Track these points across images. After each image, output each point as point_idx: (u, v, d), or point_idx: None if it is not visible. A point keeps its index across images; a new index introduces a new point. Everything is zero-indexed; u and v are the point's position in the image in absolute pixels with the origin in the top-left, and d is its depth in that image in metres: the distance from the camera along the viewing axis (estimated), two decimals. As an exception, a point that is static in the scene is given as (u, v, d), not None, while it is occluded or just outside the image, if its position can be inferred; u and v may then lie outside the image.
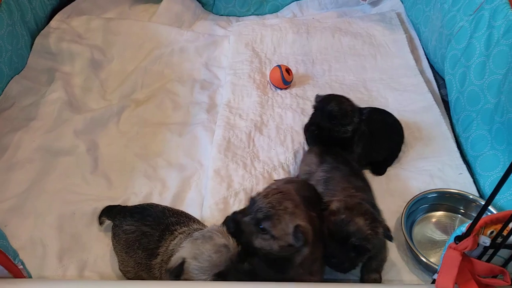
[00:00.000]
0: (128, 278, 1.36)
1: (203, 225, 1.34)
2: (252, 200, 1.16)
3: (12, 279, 1.16)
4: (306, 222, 1.14)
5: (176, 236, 1.24)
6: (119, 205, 1.47)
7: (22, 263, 1.18)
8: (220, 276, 1.10)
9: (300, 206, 1.16)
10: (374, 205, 1.35)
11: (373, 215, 1.21)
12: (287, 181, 1.53)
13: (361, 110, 1.53)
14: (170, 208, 1.40)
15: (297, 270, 1.18)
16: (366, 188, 1.41)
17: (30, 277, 1.23)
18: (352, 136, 1.55)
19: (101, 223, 1.49)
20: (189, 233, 1.23)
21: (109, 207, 1.47)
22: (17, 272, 1.16)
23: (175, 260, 1.12)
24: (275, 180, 1.59)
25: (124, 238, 1.31)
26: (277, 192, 1.15)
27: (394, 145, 1.73)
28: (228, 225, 1.15)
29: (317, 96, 1.59)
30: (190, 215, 1.39)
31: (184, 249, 1.13)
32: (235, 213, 1.18)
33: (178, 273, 1.10)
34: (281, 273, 1.18)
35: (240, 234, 1.13)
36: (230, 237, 1.13)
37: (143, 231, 1.29)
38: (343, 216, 1.18)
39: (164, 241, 1.25)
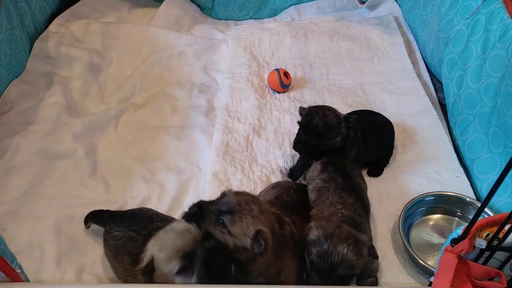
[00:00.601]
0: None
1: None
2: (223, 194, 1.16)
3: (10, 283, 1.16)
4: (268, 230, 1.12)
5: None
6: (107, 210, 1.46)
7: (20, 267, 1.18)
8: (186, 257, 1.08)
9: (266, 215, 1.14)
10: (357, 223, 1.30)
11: (355, 236, 1.16)
12: (274, 185, 1.54)
13: (347, 118, 1.52)
14: (160, 214, 1.39)
15: (257, 279, 1.16)
16: (357, 205, 1.36)
17: (28, 281, 1.23)
18: (343, 144, 1.54)
19: (88, 227, 1.50)
20: None
21: (96, 212, 1.47)
22: (14, 276, 1.16)
23: (145, 261, 1.11)
24: None
25: (113, 244, 1.31)
26: (248, 194, 1.16)
27: (385, 145, 1.73)
28: (191, 207, 1.14)
29: (301, 109, 1.56)
30: (174, 219, 1.36)
31: (150, 248, 1.12)
32: (202, 201, 1.17)
33: (149, 271, 1.08)
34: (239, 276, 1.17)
35: (200, 218, 1.13)
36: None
37: (130, 237, 1.29)
38: (325, 247, 1.13)
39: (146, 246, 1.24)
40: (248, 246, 1.09)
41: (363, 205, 1.40)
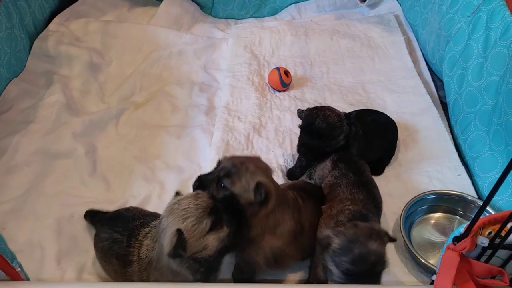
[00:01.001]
0: None
1: None
2: (219, 162, 1.21)
3: (10, 281, 1.16)
4: (268, 181, 1.16)
5: (142, 242, 1.22)
6: (100, 212, 1.47)
7: (20, 266, 1.18)
8: (213, 212, 1.09)
9: (263, 170, 1.18)
10: (365, 215, 1.28)
11: (374, 229, 1.15)
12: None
13: (348, 115, 1.52)
14: (144, 211, 1.38)
15: (255, 229, 1.20)
16: (367, 201, 1.34)
17: (28, 279, 1.23)
18: (346, 142, 1.53)
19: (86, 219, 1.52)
20: (149, 233, 1.22)
21: (93, 212, 1.49)
22: (14, 274, 1.16)
23: (168, 241, 1.06)
24: None
25: (101, 246, 1.30)
26: (242, 156, 1.22)
27: (387, 144, 1.72)
28: (193, 183, 1.20)
29: (299, 112, 1.55)
30: (157, 214, 1.34)
31: (169, 226, 1.08)
32: (200, 174, 1.21)
33: (180, 246, 1.04)
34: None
35: (203, 189, 1.18)
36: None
37: (114, 238, 1.27)
38: (357, 251, 1.10)
39: (133, 247, 1.22)
40: (253, 199, 1.14)
41: (374, 202, 1.37)
